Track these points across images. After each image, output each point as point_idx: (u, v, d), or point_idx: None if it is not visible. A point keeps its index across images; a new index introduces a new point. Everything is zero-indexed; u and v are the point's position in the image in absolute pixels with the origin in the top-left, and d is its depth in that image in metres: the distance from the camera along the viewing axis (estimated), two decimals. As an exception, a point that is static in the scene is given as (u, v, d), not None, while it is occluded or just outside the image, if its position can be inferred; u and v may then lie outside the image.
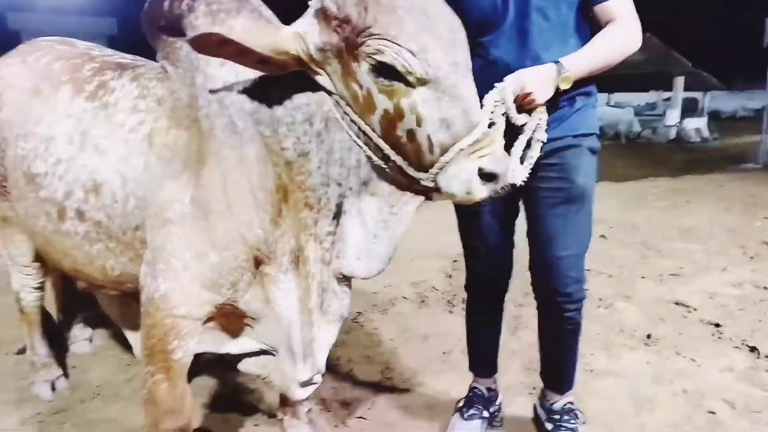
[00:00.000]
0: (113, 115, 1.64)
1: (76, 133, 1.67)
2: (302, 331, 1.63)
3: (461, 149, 1.28)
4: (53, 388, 2.41)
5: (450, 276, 3.83)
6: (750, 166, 11.14)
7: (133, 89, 1.66)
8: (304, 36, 1.31)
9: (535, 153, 1.63)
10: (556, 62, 1.62)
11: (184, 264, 1.51)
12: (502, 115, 1.53)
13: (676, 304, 3.32)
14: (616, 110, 19.78)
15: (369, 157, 1.38)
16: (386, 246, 1.49)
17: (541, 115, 1.63)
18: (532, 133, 1.62)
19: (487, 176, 1.30)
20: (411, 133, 1.29)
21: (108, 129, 1.63)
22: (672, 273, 3.85)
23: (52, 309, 2.72)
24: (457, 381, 2.51)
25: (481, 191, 1.31)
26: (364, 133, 1.35)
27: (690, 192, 7.13)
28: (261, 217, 1.50)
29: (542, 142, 1.64)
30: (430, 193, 1.43)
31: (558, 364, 2.08)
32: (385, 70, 1.25)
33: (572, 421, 2.04)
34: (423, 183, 1.35)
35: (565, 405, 2.07)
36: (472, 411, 2.16)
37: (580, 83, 1.69)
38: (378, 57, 1.23)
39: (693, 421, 2.21)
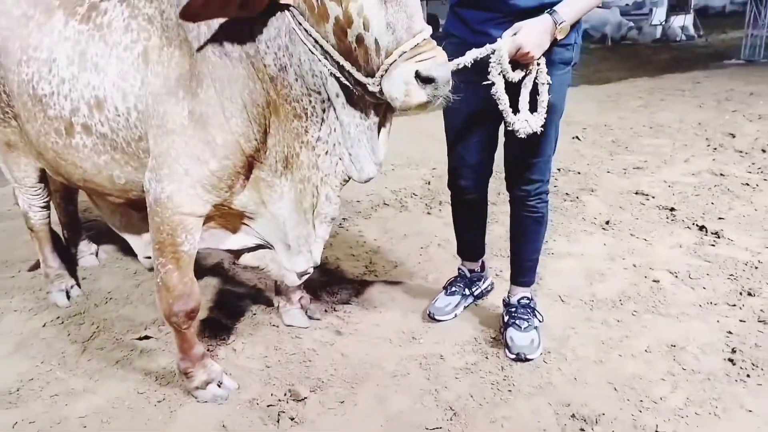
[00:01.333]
0: (107, 35, 1.77)
1: (75, 54, 1.81)
2: (297, 228, 1.87)
3: (403, 52, 1.41)
4: (68, 296, 2.66)
5: (429, 183, 4.06)
6: (732, 62, 11.16)
7: (123, 9, 1.78)
8: None
9: (544, 97, 1.77)
10: (551, 12, 1.72)
11: (185, 169, 1.71)
12: (499, 74, 1.69)
13: (636, 193, 3.59)
14: (602, 11, 19.33)
15: (326, 67, 1.53)
16: (371, 151, 1.68)
17: (539, 62, 1.76)
18: (535, 79, 1.76)
19: (425, 80, 1.40)
20: (360, 38, 1.44)
21: (104, 48, 1.77)
22: (636, 167, 4.10)
23: (57, 229, 2.94)
24: (434, 270, 2.81)
25: (419, 94, 1.42)
26: (317, 42, 1.50)
27: (666, 91, 7.26)
28: (255, 129, 1.69)
29: (548, 83, 1.77)
30: (380, 101, 1.56)
31: (520, 255, 2.27)
32: None
33: (526, 316, 2.19)
34: (370, 88, 1.49)
35: (521, 299, 2.24)
36: (453, 288, 2.46)
37: None
38: None
39: (639, 288, 2.52)
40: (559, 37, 1.75)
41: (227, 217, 1.92)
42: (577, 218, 3.28)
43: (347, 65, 1.50)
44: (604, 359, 2.11)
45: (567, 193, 3.65)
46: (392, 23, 1.41)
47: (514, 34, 1.73)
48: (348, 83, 1.55)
